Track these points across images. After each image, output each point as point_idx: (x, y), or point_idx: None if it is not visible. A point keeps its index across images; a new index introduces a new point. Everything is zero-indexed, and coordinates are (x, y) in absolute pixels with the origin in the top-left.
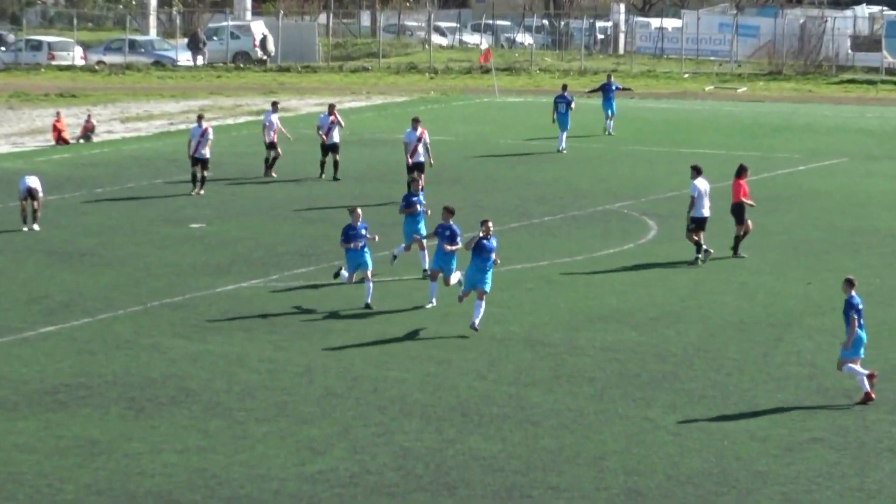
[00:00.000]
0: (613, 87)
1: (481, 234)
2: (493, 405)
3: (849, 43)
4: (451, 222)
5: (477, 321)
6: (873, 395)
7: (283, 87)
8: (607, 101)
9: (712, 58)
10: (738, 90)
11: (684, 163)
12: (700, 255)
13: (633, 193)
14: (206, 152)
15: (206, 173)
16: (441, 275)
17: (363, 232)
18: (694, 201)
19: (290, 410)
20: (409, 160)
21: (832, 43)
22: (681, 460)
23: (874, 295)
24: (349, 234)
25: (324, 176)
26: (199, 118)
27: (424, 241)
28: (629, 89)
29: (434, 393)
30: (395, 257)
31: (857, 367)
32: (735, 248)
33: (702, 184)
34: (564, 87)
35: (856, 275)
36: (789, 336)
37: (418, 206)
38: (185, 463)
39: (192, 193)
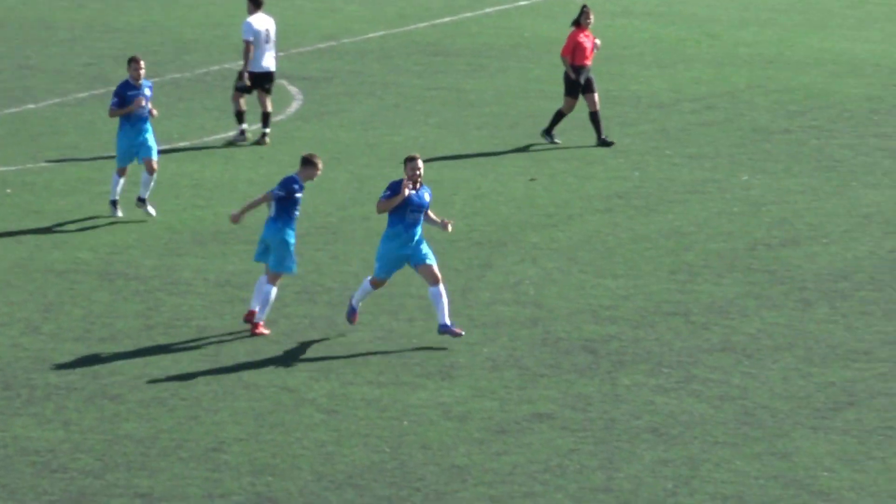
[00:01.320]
0: None
1: (407, 183)
2: (50, 373)
3: None
4: None
5: (447, 318)
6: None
7: None
8: None
9: None
10: None
11: None
12: (245, 128)
13: None
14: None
15: None
16: None
17: None
18: (249, 48)
19: None
20: None
21: None
22: (338, 451)
23: (630, 196)
24: None
25: None
26: None
27: (156, 160)
28: None
29: None
30: (114, 203)
31: (270, 291)
32: (599, 132)
33: (260, 22)
34: None
35: (604, 165)
36: (502, 261)
37: (144, 102)
38: None
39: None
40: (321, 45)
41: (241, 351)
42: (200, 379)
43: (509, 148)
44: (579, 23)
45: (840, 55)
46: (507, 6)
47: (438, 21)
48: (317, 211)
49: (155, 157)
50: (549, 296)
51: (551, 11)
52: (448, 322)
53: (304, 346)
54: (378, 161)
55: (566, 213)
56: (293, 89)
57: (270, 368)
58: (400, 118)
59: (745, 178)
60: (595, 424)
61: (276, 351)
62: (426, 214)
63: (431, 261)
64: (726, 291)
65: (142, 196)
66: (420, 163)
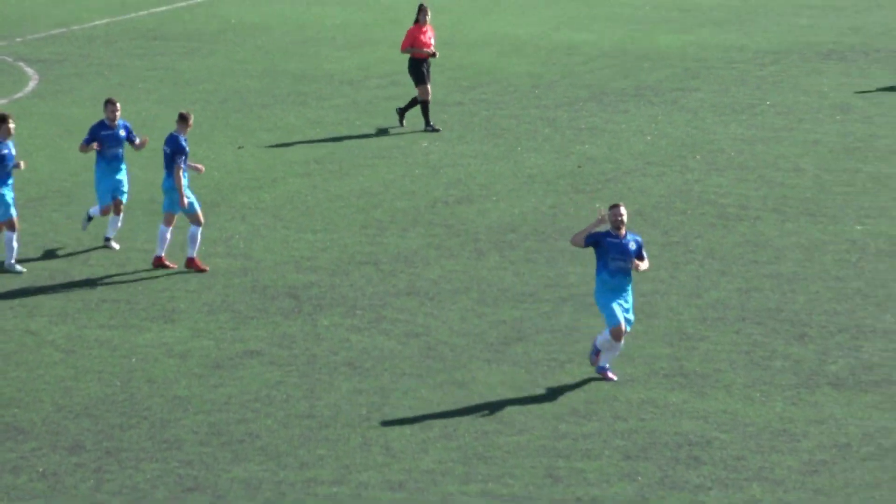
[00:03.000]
0: None
1: (610, 228)
2: None
3: None
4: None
5: (608, 361)
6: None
7: None
8: None
9: None
10: None
11: None
12: None
13: (6, 31)
14: None
15: None
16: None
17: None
18: None
19: None
20: None
21: None
22: (75, 385)
23: (326, 161)
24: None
25: None
26: None
27: (124, 199)
28: None
29: None
30: (89, 219)
31: (165, 231)
32: (426, 118)
33: None
34: None
35: (303, 134)
36: (216, 219)
37: (120, 144)
38: None
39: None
40: (54, 32)
41: None
42: None
43: (220, 120)
44: (418, 20)
45: (505, 37)
46: None
47: (156, 10)
48: (52, 177)
49: (124, 198)
50: (256, 249)
51: (255, 0)
52: (607, 365)
53: (44, 294)
54: None
55: (271, 176)
56: (30, 70)
57: (14, 314)
58: (124, 95)
59: (425, 144)
60: (299, 360)
61: (19, 298)
62: (634, 264)
63: (628, 325)
64: (410, 243)
65: (108, 236)
66: (623, 209)
